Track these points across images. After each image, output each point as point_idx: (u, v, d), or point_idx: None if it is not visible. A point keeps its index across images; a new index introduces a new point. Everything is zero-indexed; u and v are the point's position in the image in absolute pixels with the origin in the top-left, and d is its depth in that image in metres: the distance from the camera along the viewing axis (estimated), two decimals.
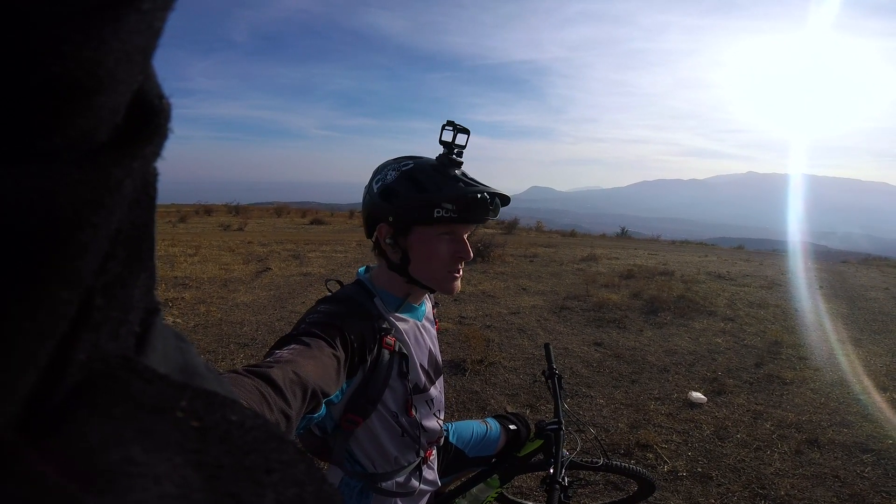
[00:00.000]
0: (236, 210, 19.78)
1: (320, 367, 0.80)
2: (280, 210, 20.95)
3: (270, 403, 0.64)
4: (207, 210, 19.76)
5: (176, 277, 6.46)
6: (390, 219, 1.06)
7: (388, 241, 1.08)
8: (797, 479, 2.65)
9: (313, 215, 19.38)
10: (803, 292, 7.18)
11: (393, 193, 1.06)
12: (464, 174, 1.08)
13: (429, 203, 1.03)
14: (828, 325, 5.53)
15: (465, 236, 1.12)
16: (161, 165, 0.19)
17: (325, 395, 0.79)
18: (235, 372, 0.67)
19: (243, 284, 6.32)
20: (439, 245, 1.07)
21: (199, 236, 11.20)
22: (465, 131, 1.06)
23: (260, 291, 5.99)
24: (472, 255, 1.11)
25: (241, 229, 13.48)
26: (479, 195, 1.04)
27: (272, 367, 0.70)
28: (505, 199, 1.11)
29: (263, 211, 21.76)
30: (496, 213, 1.09)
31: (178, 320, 4.75)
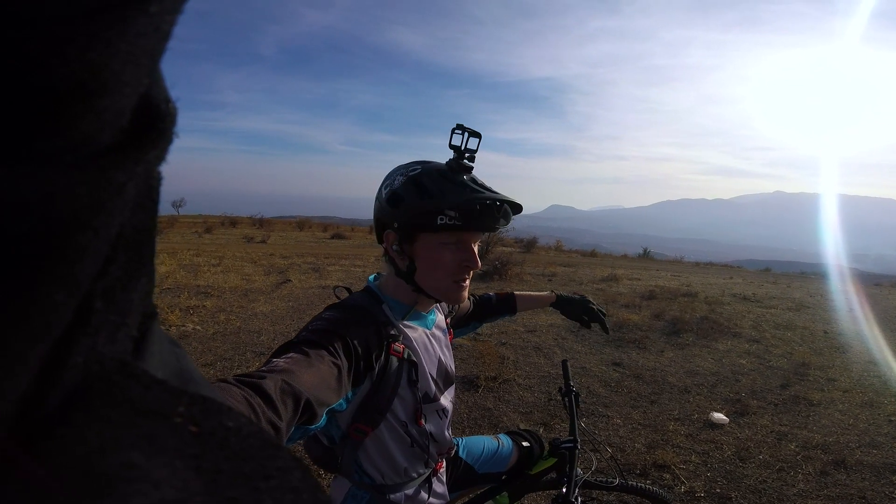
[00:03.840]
0: (260, 223, 20.20)
1: (317, 376, 0.78)
2: (302, 224, 21.31)
3: (258, 413, 0.63)
4: (233, 222, 20.25)
5: (199, 286, 6.61)
6: (395, 225, 1.04)
7: (394, 247, 1.06)
8: (821, 500, 2.55)
9: (334, 230, 19.65)
10: (833, 315, 6.96)
11: (399, 199, 1.02)
12: (473, 180, 1.04)
13: (432, 210, 0.98)
14: (858, 347, 5.34)
15: (475, 245, 1.08)
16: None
17: (323, 404, 0.78)
18: (225, 381, 0.65)
19: (263, 295, 6.41)
20: (444, 253, 1.03)
21: (223, 247, 11.45)
22: (476, 135, 1.02)
23: (279, 302, 6.07)
24: (479, 264, 1.07)
25: (263, 242, 13.72)
26: (484, 202, 0.99)
27: (264, 377, 0.69)
28: (515, 207, 1.06)
29: (286, 224, 22.14)
30: (506, 220, 1.05)
31: (198, 327, 4.84)
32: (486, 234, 1.11)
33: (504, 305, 1.57)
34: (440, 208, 0.98)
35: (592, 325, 1.62)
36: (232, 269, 8.13)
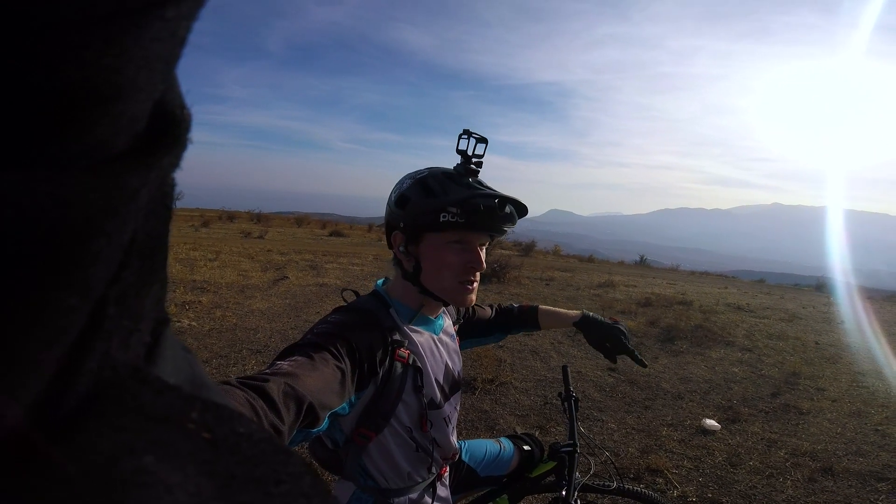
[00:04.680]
0: (258, 218, 20.11)
1: (321, 380, 0.78)
2: (301, 220, 21.20)
3: (261, 416, 0.63)
4: (230, 216, 20.16)
5: (195, 281, 6.58)
6: (401, 225, 1.06)
7: (401, 248, 1.07)
8: None
9: (333, 227, 19.59)
10: (824, 326, 7.02)
11: (405, 200, 1.05)
12: (479, 182, 1.05)
13: (435, 207, 1.00)
14: (848, 357, 5.41)
15: (482, 249, 1.09)
16: (190, 170, 0.19)
17: (326, 408, 0.78)
18: (228, 383, 0.66)
19: (260, 291, 6.40)
20: (448, 254, 1.04)
21: (221, 242, 11.41)
22: (483, 140, 1.04)
23: (276, 299, 6.06)
24: (484, 266, 1.07)
25: (261, 237, 13.69)
26: (486, 199, 1.01)
27: (268, 380, 0.69)
28: (520, 208, 1.08)
29: (284, 220, 22.05)
30: (510, 221, 1.06)
31: (193, 323, 4.82)
32: (491, 236, 1.11)
33: (526, 318, 1.50)
34: (443, 206, 1.00)
35: (619, 357, 1.41)
36: (229, 264, 8.09)
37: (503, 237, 1.17)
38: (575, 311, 1.48)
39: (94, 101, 0.14)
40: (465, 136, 1.04)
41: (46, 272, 0.14)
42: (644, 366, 1.39)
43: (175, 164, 0.18)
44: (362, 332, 0.94)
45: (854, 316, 7.72)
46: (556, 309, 1.51)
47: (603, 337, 1.40)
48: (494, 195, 1.02)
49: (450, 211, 1.00)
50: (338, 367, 0.84)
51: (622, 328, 1.41)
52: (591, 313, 1.46)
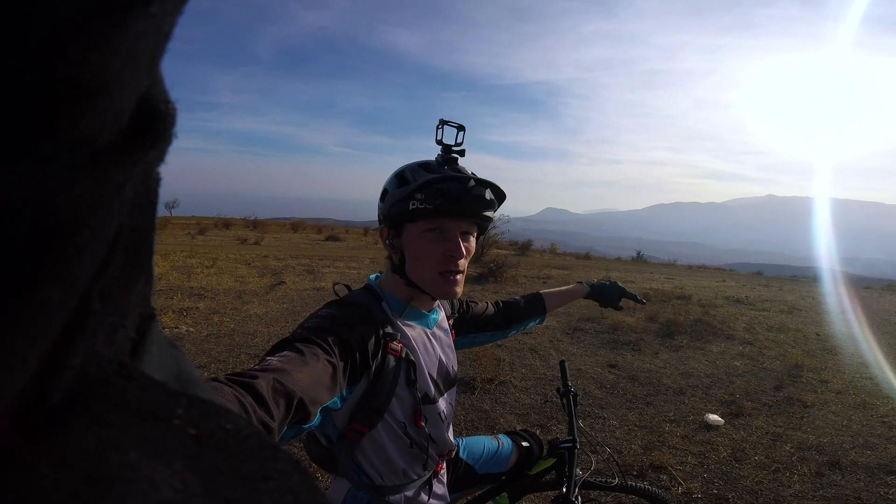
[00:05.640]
0: (254, 224, 20.15)
1: (311, 375, 0.78)
2: (296, 225, 21.28)
3: (250, 413, 0.62)
4: (226, 223, 20.18)
5: (192, 288, 6.57)
6: (382, 217, 1.07)
7: (387, 241, 1.08)
8: (817, 500, 2.57)
9: (329, 231, 19.63)
10: (824, 317, 7.03)
11: (385, 193, 1.07)
12: (457, 168, 1.05)
13: (404, 196, 1.00)
14: (850, 349, 5.40)
15: (469, 238, 1.07)
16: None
17: (317, 403, 0.77)
18: (216, 380, 0.65)
19: (257, 297, 6.39)
20: (425, 243, 1.02)
21: (217, 249, 11.39)
22: (460, 127, 1.05)
23: (273, 304, 6.05)
24: (463, 253, 1.04)
25: (257, 243, 13.66)
26: (452, 181, 0.99)
27: (256, 376, 0.68)
28: (497, 191, 1.06)
29: (280, 226, 22.07)
30: (485, 206, 1.04)
31: (191, 329, 4.80)
32: (478, 225, 1.09)
33: (533, 307, 1.52)
34: (410, 193, 1.00)
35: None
36: (225, 270, 8.10)
37: (490, 227, 1.16)
38: (573, 286, 1.65)
39: (80, 95, 0.14)
40: (442, 126, 1.05)
41: (30, 267, 0.14)
42: (643, 303, 1.66)
43: (160, 158, 0.18)
44: (354, 326, 0.93)
45: (845, 307, 7.74)
46: (557, 289, 1.63)
47: (615, 297, 1.63)
48: (462, 177, 1.01)
49: (416, 197, 1.00)
50: (328, 361, 0.83)
51: (616, 281, 1.66)
52: (593, 281, 1.67)
